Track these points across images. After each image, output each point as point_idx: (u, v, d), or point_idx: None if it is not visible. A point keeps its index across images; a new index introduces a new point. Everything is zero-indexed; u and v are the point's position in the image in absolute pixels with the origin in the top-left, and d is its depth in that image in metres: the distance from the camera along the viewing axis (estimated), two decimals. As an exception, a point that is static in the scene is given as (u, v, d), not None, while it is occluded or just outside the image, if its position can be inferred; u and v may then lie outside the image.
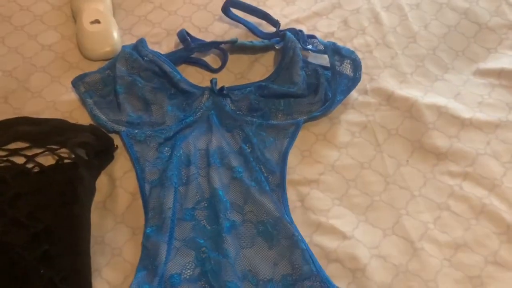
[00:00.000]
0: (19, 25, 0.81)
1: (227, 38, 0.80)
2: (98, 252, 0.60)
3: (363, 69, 0.73)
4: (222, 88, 0.72)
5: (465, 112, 0.72)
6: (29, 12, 0.83)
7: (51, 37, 0.80)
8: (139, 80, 0.71)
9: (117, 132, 0.68)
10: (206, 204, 0.62)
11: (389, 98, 0.74)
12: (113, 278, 0.58)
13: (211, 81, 0.73)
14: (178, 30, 0.78)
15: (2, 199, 0.60)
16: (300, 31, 0.78)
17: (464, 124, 0.71)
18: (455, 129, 0.71)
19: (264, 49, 0.79)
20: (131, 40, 0.79)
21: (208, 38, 0.80)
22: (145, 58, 0.73)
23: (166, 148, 0.67)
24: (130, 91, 0.70)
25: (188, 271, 0.57)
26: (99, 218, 0.62)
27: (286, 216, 0.61)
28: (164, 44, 0.79)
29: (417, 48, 0.81)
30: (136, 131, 0.67)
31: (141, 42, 0.75)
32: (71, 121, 0.70)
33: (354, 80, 0.72)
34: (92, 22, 0.78)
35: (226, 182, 0.64)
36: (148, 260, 0.58)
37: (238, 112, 0.71)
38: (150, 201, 0.62)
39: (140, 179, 0.64)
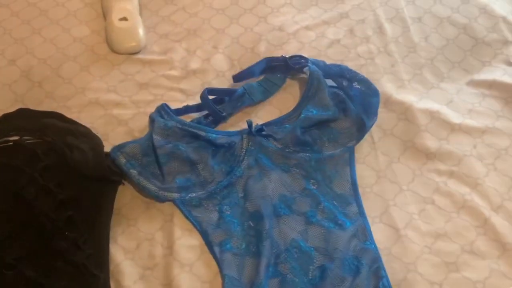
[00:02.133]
0: (54, 19, 0.89)
1: (241, 39, 0.87)
2: (115, 222, 0.67)
3: (365, 75, 0.80)
4: (260, 128, 0.71)
5: (455, 118, 0.79)
6: (64, 7, 0.91)
7: (83, 31, 0.88)
8: (179, 145, 0.70)
9: (171, 200, 0.68)
10: (286, 256, 0.62)
11: (386, 102, 0.80)
12: (127, 245, 0.65)
13: (247, 122, 0.72)
14: (197, 30, 0.86)
15: (34, 170, 0.68)
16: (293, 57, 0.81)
17: (454, 128, 0.77)
18: (445, 132, 0.77)
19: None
20: (154, 37, 0.87)
21: (224, 39, 0.87)
22: (178, 125, 0.72)
23: (225, 207, 0.66)
24: (173, 157, 0.69)
25: None
26: (118, 192, 0.70)
27: (370, 243, 0.64)
28: (184, 42, 0.87)
29: (417, 58, 0.87)
30: (190, 195, 0.67)
31: (163, 109, 0.74)
32: (98, 106, 0.78)
33: (373, 94, 0.76)
34: (120, 19, 0.86)
35: (302, 229, 0.64)
36: None
37: (287, 150, 0.70)
38: (226, 268, 0.61)
39: (208, 243, 0.64)
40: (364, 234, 0.65)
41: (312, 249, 0.63)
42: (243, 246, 0.63)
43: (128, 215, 0.68)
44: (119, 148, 0.70)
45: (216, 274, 0.63)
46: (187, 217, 0.66)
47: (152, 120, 0.74)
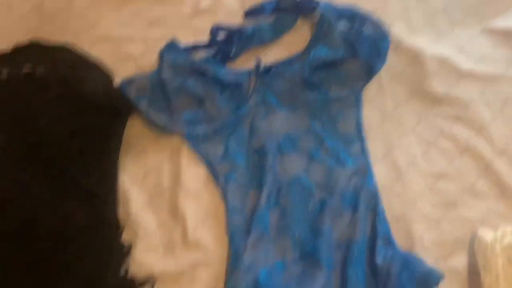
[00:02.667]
0: None
1: None
2: (124, 152, 0.69)
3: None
4: (268, 67, 0.72)
5: (465, 64, 0.78)
6: None
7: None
8: (187, 80, 0.71)
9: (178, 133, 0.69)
10: (287, 190, 0.64)
11: (396, 46, 0.79)
12: (135, 173, 0.68)
13: (255, 61, 0.72)
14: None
15: (46, 99, 0.69)
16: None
17: (463, 74, 0.77)
18: (454, 78, 0.76)
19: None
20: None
21: None
22: (186, 62, 0.73)
23: (231, 142, 0.68)
24: (181, 93, 0.70)
25: (289, 255, 0.61)
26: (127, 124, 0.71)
27: (370, 181, 0.65)
28: None
29: (430, 3, 0.85)
30: (197, 129, 0.68)
31: (173, 45, 0.74)
32: (109, 42, 0.79)
33: (383, 38, 0.75)
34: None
35: (305, 165, 0.66)
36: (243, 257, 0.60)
37: (294, 90, 0.71)
38: (230, 198, 0.64)
39: (213, 174, 0.67)
40: (365, 172, 0.66)
41: (313, 184, 0.65)
42: (247, 178, 0.65)
43: (136, 146, 0.70)
44: (128, 81, 0.71)
45: (220, 204, 0.65)
46: (194, 150, 0.68)
47: (161, 56, 0.74)
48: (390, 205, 0.65)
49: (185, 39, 0.79)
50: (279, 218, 0.63)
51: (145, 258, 0.62)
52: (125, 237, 0.62)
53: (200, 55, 0.77)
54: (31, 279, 0.57)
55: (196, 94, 0.70)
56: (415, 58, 0.78)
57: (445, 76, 0.77)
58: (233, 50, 0.76)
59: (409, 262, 0.59)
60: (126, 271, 0.60)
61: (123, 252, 0.61)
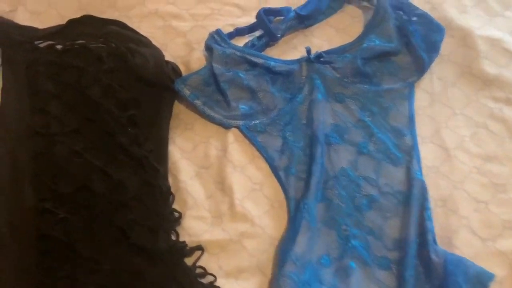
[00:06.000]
0: None
1: None
2: (173, 125, 0.71)
3: (427, -1, 0.78)
4: (319, 55, 0.71)
5: (517, 46, 0.76)
6: None
7: None
8: (239, 72, 0.71)
9: (236, 127, 0.70)
10: (334, 183, 0.64)
11: (447, 27, 0.78)
12: (184, 146, 0.69)
13: (306, 49, 0.72)
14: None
15: (98, 70, 0.71)
16: None
17: (515, 56, 0.75)
18: (505, 60, 0.75)
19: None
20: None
21: None
22: (236, 52, 0.72)
23: (288, 133, 0.68)
24: (233, 85, 0.70)
25: (335, 250, 0.60)
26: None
27: (419, 175, 0.63)
28: None
29: (483, -17, 0.84)
30: (254, 122, 0.69)
31: (218, 35, 0.73)
32: (158, 17, 0.80)
33: (437, 31, 0.74)
34: None
35: (352, 158, 0.65)
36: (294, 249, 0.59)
37: (345, 80, 0.70)
38: (290, 191, 0.64)
39: (273, 168, 0.66)
40: (415, 166, 0.65)
41: (360, 178, 0.64)
42: (304, 169, 0.65)
43: (185, 119, 0.71)
44: (182, 81, 0.71)
45: (265, 177, 0.66)
46: (252, 143, 0.68)
47: (209, 48, 0.74)
48: (437, 185, 0.65)
49: (232, 16, 0.80)
50: (325, 211, 0.62)
51: (194, 226, 0.63)
52: (175, 205, 0.64)
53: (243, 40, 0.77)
54: (87, 240, 0.60)
55: (248, 86, 0.70)
56: (466, 39, 0.77)
57: (496, 58, 0.75)
58: (279, 31, 0.76)
59: (460, 261, 0.57)
60: (177, 237, 0.62)
61: (173, 219, 0.62)
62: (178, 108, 0.72)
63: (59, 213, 0.60)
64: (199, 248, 0.61)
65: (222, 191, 0.65)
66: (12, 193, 0.62)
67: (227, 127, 0.69)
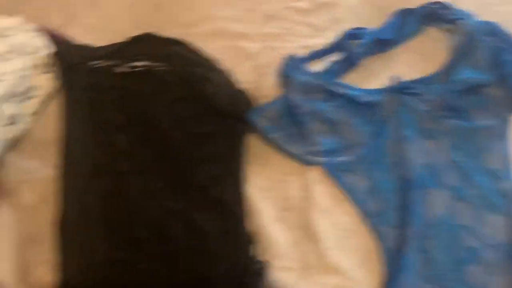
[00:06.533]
0: None
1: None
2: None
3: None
4: (406, 86, 0.66)
5: None
6: None
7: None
8: (318, 103, 0.65)
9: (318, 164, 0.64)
10: (431, 233, 0.59)
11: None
12: (261, 185, 0.64)
13: (391, 79, 0.66)
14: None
15: (165, 99, 0.65)
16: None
17: None
18: None
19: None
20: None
21: None
22: (313, 81, 0.67)
23: (376, 173, 0.62)
24: (313, 117, 0.64)
25: None
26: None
27: None
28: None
29: None
30: (338, 159, 0.63)
31: (293, 62, 0.68)
32: (223, 36, 0.74)
33: None
34: None
35: (448, 204, 0.60)
36: None
37: (434, 114, 0.64)
38: (385, 240, 0.59)
39: (363, 213, 0.61)
40: None
41: (460, 227, 0.59)
42: (401, 217, 0.60)
43: (259, 154, 0.66)
44: (257, 111, 0.66)
45: (358, 224, 0.61)
46: (337, 183, 0.62)
47: (285, 76, 0.68)
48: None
49: (304, 36, 0.74)
50: (423, 265, 0.57)
51: (279, 279, 0.58)
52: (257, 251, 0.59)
53: (318, 64, 0.71)
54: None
55: (330, 119, 0.64)
56: None
57: None
58: (358, 57, 0.70)
59: None
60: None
61: (259, 270, 0.57)
62: (249, 141, 0.66)
63: (137, 263, 0.55)
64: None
65: (308, 239, 0.60)
66: (81, 239, 0.57)
67: (308, 164, 0.64)
